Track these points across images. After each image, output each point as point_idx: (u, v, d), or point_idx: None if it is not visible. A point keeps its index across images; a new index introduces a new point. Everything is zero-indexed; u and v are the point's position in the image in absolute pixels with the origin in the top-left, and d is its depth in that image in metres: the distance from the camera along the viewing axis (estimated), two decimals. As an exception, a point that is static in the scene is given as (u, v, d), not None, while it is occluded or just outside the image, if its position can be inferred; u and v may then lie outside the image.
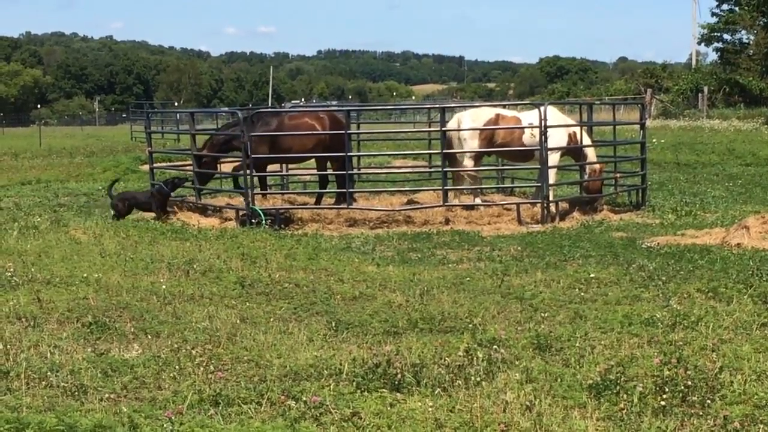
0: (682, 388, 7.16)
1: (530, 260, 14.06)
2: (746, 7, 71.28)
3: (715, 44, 77.47)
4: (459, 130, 19.74)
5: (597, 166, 20.07)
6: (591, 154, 20.24)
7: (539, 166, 19.56)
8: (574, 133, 20.07)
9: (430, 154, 21.43)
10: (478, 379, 7.67)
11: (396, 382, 7.58)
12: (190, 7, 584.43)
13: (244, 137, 18.94)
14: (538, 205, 19.08)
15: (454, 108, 22.66)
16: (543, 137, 18.86)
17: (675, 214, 19.11)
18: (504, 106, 22.62)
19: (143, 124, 38.49)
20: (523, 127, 19.79)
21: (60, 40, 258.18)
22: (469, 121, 19.90)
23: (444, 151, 19.33)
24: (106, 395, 7.47)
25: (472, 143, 19.78)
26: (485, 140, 19.81)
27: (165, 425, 6.52)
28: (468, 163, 19.92)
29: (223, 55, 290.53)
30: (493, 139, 19.89)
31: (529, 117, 20.26)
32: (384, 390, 7.46)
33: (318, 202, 20.63)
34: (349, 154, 19.14)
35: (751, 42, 73.88)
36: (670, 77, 79.63)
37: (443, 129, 19.35)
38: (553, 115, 19.60)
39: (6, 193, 25.68)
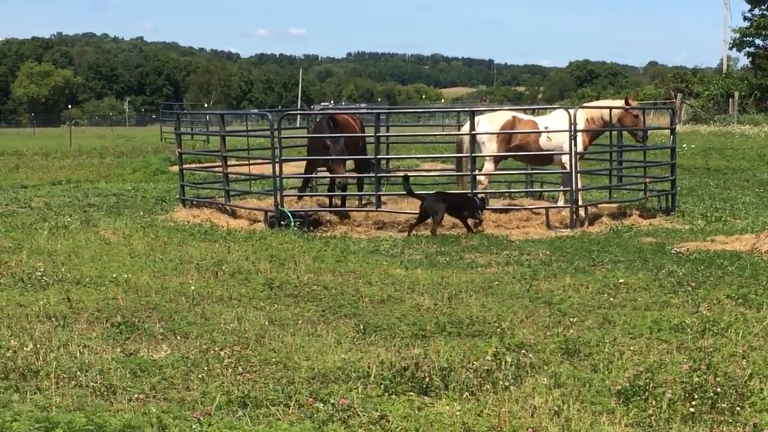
0: (712, 394, 7.13)
1: (559, 265, 14.02)
2: (778, 12, 70.97)
3: (747, 49, 77.10)
4: (477, 133, 19.61)
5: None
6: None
7: (561, 170, 19.61)
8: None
9: (458, 157, 21.40)
10: (507, 383, 7.67)
11: (424, 386, 7.58)
12: (221, 8, 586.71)
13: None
14: (567, 209, 19.04)
15: (483, 111, 22.55)
16: (572, 142, 18.84)
17: (705, 219, 19.02)
18: (534, 111, 22.59)
19: (173, 125, 38.69)
20: (540, 131, 19.79)
21: (91, 41, 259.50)
22: (486, 125, 19.85)
23: (473, 154, 19.26)
24: (135, 395, 7.50)
25: (490, 146, 19.76)
26: (502, 143, 19.79)
27: (193, 426, 6.56)
28: (488, 166, 19.90)
29: (253, 56, 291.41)
30: (510, 142, 19.88)
31: (546, 121, 20.25)
32: (412, 393, 7.47)
33: (343, 204, 20.63)
34: (378, 156, 19.14)
35: (783, 47, 73.55)
36: (700, 82, 79.23)
37: (473, 132, 19.28)
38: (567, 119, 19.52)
39: (36, 192, 25.82)
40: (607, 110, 20.28)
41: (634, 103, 20.90)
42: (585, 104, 22.59)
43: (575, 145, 18.88)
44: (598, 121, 20.03)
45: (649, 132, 23.80)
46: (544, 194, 22.33)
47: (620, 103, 20.69)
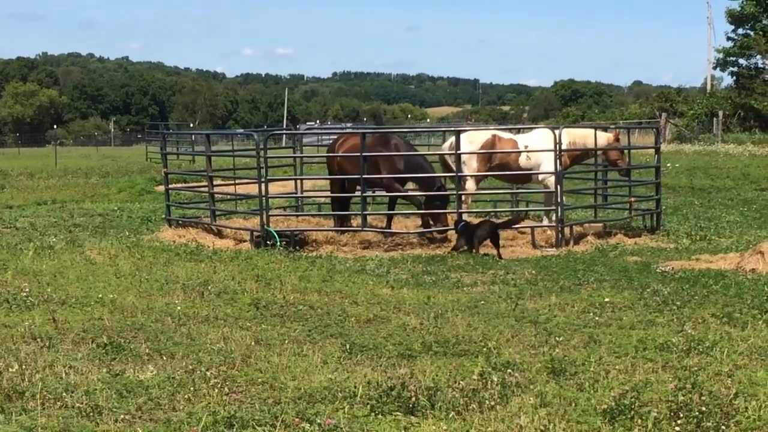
0: (697, 413, 7.15)
1: (545, 284, 14.05)
2: (761, 32, 71.33)
3: (731, 69, 77.51)
4: (455, 153, 19.53)
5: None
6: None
7: (544, 190, 19.72)
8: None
9: (444, 177, 21.45)
10: (493, 403, 7.67)
11: (410, 406, 7.59)
12: (207, 28, 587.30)
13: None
14: (553, 228, 19.07)
15: (468, 131, 22.58)
16: (557, 161, 18.92)
17: (689, 238, 19.07)
18: (518, 130, 22.64)
19: (158, 144, 38.69)
20: (520, 150, 19.87)
21: (76, 61, 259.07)
22: (466, 143, 19.87)
23: (459, 174, 19.26)
24: (121, 416, 7.49)
25: (471, 165, 19.79)
26: (483, 161, 19.84)
27: (180, 447, 6.55)
28: (470, 185, 19.93)
29: (239, 76, 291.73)
30: (491, 161, 19.95)
31: (526, 139, 20.35)
32: (398, 413, 7.48)
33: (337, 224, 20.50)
34: (364, 176, 19.12)
35: (766, 67, 73.91)
36: (685, 101, 79.62)
37: (459, 152, 19.27)
38: (548, 138, 19.59)
39: (22, 213, 25.76)
40: (591, 136, 20.36)
41: (620, 138, 21.05)
42: (570, 125, 22.69)
43: (560, 164, 18.95)
44: (580, 145, 20.13)
45: (633, 151, 23.83)
46: (529, 213, 22.34)
47: (609, 135, 20.79)
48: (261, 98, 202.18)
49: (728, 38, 76.70)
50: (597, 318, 11.30)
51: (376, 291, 13.41)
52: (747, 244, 17.33)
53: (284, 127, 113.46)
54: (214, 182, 21.39)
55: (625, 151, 21.09)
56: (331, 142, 21.85)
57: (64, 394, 7.97)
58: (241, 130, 68.58)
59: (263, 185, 18.94)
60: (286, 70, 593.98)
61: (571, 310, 11.86)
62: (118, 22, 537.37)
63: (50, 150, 75.89)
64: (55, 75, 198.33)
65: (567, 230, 18.98)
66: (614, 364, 8.96)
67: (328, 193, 21.91)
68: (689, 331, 10.32)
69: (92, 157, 69.57)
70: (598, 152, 20.61)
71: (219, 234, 20.11)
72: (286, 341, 10.18)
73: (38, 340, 10.12)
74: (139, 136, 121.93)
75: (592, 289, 13.35)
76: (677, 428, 7.00)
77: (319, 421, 7.13)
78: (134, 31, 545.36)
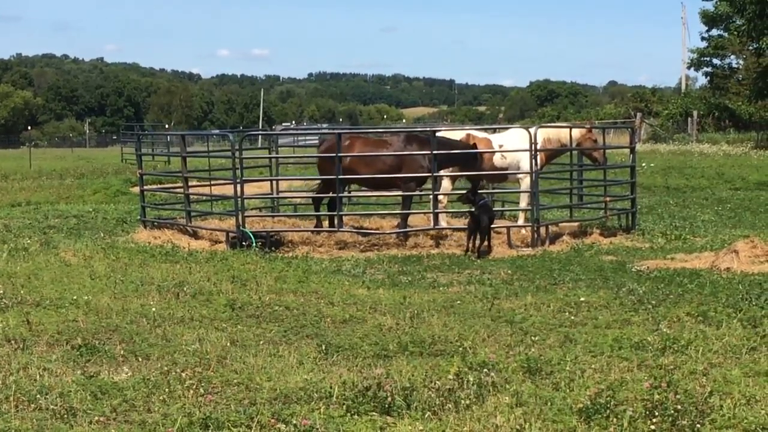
0: (672, 412, 7.16)
1: (520, 284, 14.07)
2: (735, 32, 71.75)
3: (705, 69, 78.04)
4: (430, 153, 19.52)
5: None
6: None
7: (520, 189, 19.79)
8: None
9: (420, 177, 21.43)
10: (468, 402, 7.67)
11: (386, 406, 7.58)
12: (183, 29, 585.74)
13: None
14: (528, 228, 19.09)
15: (443, 131, 22.56)
16: (533, 161, 18.92)
17: (665, 237, 19.14)
18: (494, 130, 22.65)
19: (134, 146, 38.52)
20: (495, 150, 19.90)
21: (51, 62, 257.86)
22: None
23: (434, 174, 19.24)
24: (96, 418, 7.46)
25: None
26: None
27: (155, 448, 6.52)
28: (445, 184, 19.93)
29: (214, 77, 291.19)
30: None
31: (501, 139, 20.37)
32: (374, 413, 7.47)
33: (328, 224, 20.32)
34: (339, 176, 19.09)
35: (740, 67, 74.36)
36: (659, 101, 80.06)
37: (434, 152, 19.24)
38: (523, 137, 19.60)
39: (-4, 214, 25.60)
40: (565, 131, 20.44)
41: (594, 130, 21.12)
42: (545, 125, 22.72)
43: (536, 164, 18.96)
44: (555, 141, 20.18)
45: (609, 151, 23.90)
46: (505, 213, 22.34)
47: (581, 129, 20.88)
48: (237, 99, 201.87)
49: (702, 38, 77.30)
50: (572, 317, 11.33)
51: (351, 291, 13.40)
52: (722, 243, 17.41)
53: (260, 127, 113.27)
54: (190, 183, 21.30)
55: (600, 142, 21.15)
56: (327, 142, 21.11)
57: (38, 396, 7.93)
58: (217, 131, 68.44)
59: (239, 186, 18.89)
60: (262, 71, 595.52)
61: (547, 309, 11.88)
62: (93, 23, 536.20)
63: (24, 151, 75.50)
64: (29, 76, 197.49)
65: (543, 230, 19.01)
66: (590, 363, 8.98)
67: (304, 194, 21.84)
68: (664, 329, 10.36)
69: (67, 159, 69.19)
70: (574, 147, 20.62)
71: (194, 235, 20.02)
72: (262, 342, 10.17)
73: (12, 342, 10.07)
74: (114, 137, 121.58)
75: (568, 289, 13.38)
76: (653, 427, 7.02)
77: (294, 421, 7.12)
78: (109, 32, 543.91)
